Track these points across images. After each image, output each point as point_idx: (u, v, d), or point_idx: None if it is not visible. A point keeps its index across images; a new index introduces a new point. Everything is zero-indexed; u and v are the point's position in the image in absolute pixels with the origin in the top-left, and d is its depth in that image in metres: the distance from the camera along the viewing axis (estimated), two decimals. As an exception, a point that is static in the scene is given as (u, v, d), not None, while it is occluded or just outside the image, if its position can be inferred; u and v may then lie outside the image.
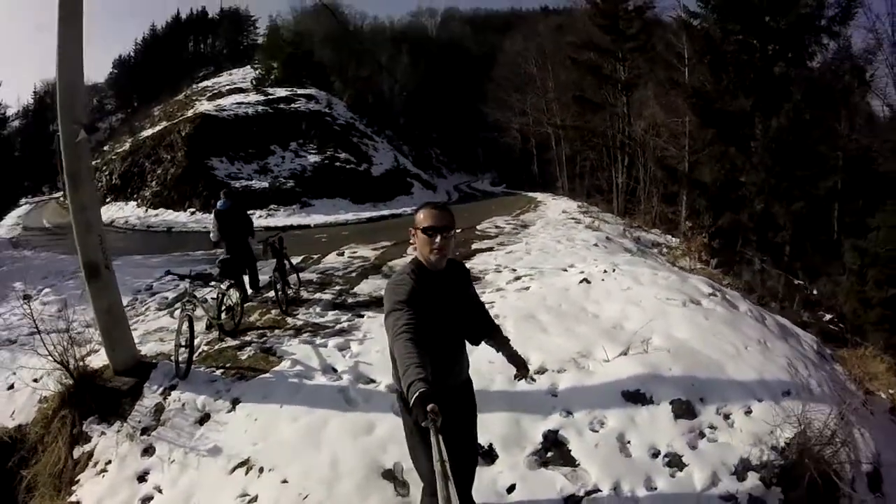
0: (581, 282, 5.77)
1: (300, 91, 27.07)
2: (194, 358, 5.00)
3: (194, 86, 35.58)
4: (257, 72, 31.33)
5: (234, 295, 5.86)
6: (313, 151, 23.09)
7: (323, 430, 3.60)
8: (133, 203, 21.83)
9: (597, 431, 3.24)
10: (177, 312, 5.23)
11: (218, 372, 4.77)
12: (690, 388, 3.46)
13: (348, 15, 51.15)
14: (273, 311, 6.21)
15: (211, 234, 6.92)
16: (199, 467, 3.59)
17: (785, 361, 3.69)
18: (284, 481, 3.20)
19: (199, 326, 5.63)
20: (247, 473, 3.39)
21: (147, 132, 26.67)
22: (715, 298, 4.83)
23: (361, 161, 24.02)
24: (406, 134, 41.15)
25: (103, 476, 3.75)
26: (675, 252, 9.39)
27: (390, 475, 3.09)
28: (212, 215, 7.03)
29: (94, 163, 28.34)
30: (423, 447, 2.09)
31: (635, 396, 3.47)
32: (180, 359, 4.76)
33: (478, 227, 11.87)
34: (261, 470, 3.37)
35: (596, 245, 8.73)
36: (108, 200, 22.81)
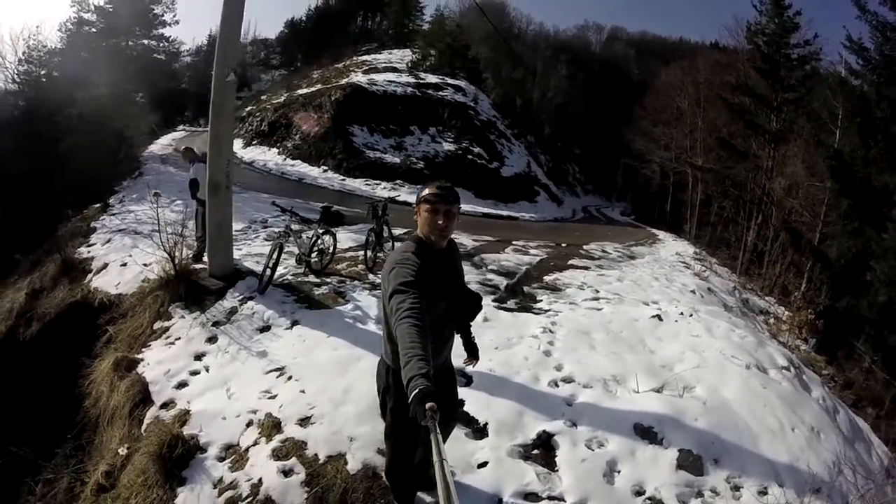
0: (653, 317, 5.53)
1: (450, 81, 27.91)
2: (278, 282, 5.73)
3: (355, 58, 37.82)
4: (415, 56, 32.67)
5: (328, 240, 6.48)
6: (449, 140, 23.77)
7: (352, 364, 3.95)
8: (275, 150, 23.90)
9: (591, 450, 3.15)
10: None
11: (291, 297, 5.42)
12: (709, 446, 3.19)
13: (513, 17, 51.61)
14: (359, 266, 6.71)
15: (201, 192, 6.53)
16: (245, 363, 4.18)
17: (831, 458, 3.21)
18: (302, 391, 3.62)
19: (292, 260, 6.40)
20: (277, 377, 3.88)
21: (302, 91, 28.86)
22: (787, 373, 4.31)
23: (493, 159, 24.28)
24: (548, 144, 40.02)
25: (170, 347, 4.52)
26: (780, 325, 8.34)
27: (388, 415, 3.34)
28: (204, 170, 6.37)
29: (249, 108, 31.94)
30: (409, 435, 2.22)
31: (646, 433, 3.30)
32: (264, 278, 5.52)
33: (584, 247, 11.59)
34: (289, 378, 3.84)
35: (693, 292, 8.13)
36: (254, 143, 25.46)
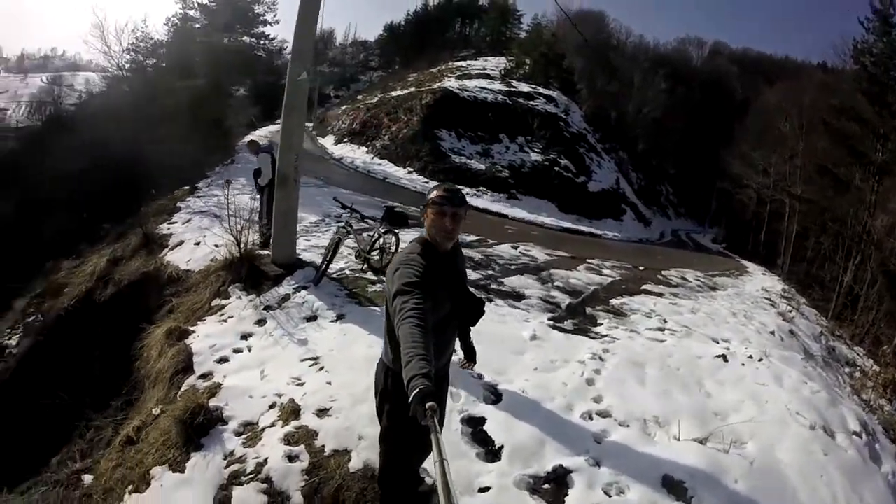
0: (718, 356, 5.09)
1: (542, 90, 27.70)
2: (336, 276, 5.93)
3: (450, 63, 38.43)
4: (509, 63, 32.65)
5: (390, 240, 6.52)
6: (537, 150, 23.51)
7: None
8: (364, 149, 24.83)
9: (608, 495, 2.91)
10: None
11: (344, 292, 5.60)
12: (744, 511, 2.86)
13: (612, 28, 50.07)
14: None
15: (262, 179, 7.12)
16: (285, 348, 4.37)
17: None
18: (329, 383, 3.71)
19: (353, 256, 6.58)
20: (310, 367, 4.01)
21: (396, 93, 29.98)
22: (857, 440, 3.75)
23: (581, 173, 23.75)
24: (641, 161, 38.11)
25: (222, 323, 4.84)
26: (865, 380, 7.31)
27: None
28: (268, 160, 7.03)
29: (345, 107, 33.36)
30: (404, 440, 2.22)
31: (674, 487, 2.99)
32: (321, 270, 5.74)
33: (664, 272, 10.90)
34: (321, 368, 3.96)
35: (772, 333, 7.38)
36: (345, 140, 26.73)
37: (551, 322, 5.49)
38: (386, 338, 2.20)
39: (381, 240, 6.41)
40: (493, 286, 6.74)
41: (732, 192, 30.95)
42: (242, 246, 5.89)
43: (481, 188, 20.42)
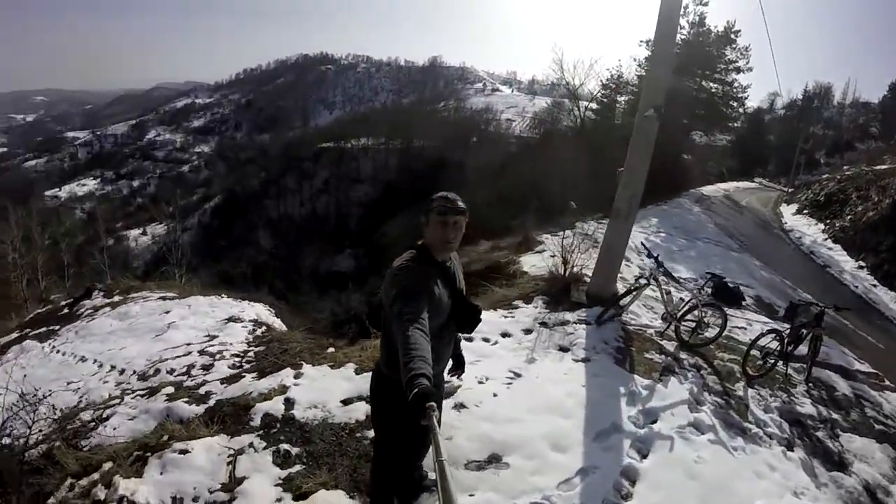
0: None
1: None
2: (632, 326, 5.82)
3: None
4: None
5: (715, 319, 5.68)
6: None
7: (547, 416, 3.98)
8: (820, 226, 20.19)
9: None
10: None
11: (617, 343, 5.37)
12: None
13: None
14: (737, 367, 5.45)
15: None
16: (514, 356, 4.89)
17: None
18: (495, 395, 4.17)
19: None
20: (506, 378, 4.45)
21: (881, 166, 22.98)
22: None
23: None
24: None
25: (504, 318, 5.78)
26: None
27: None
28: None
29: (825, 175, 28.17)
30: (396, 449, 2.35)
31: None
32: (606, 312, 5.74)
33: None
34: (509, 385, 4.37)
35: None
36: (804, 211, 22.65)
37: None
38: (383, 344, 2.26)
39: (700, 311, 5.63)
40: (819, 433, 4.77)
41: None
42: (569, 267, 6.66)
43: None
